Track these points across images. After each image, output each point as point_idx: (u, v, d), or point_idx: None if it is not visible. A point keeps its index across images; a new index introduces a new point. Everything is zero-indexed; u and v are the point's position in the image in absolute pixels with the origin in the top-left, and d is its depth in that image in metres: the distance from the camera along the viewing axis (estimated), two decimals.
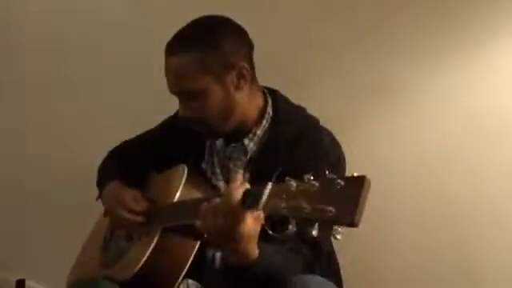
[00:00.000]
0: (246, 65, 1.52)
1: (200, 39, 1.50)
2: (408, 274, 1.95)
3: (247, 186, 1.23)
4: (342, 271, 1.68)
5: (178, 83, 1.50)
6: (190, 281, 1.53)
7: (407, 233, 1.94)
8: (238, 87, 1.52)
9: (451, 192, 1.88)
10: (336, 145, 1.58)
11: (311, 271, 1.42)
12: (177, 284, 1.47)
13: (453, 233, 1.88)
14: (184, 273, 1.48)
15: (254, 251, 1.26)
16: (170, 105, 1.72)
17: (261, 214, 1.20)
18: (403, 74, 1.91)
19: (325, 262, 1.51)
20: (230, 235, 1.22)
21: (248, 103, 1.56)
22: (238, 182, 1.23)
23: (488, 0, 1.80)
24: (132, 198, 1.61)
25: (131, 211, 1.59)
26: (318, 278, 1.39)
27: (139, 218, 1.58)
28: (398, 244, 1.96)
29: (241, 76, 1.52)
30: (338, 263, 1.68)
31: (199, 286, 1.54)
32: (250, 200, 1.18)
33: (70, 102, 2.51)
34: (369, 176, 1.02)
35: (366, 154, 1.92)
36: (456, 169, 1.87)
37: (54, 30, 2.50)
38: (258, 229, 1.23)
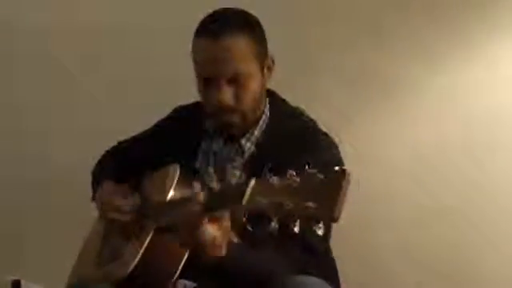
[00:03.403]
0: (272, 57, 1.56)
1: (249, 23, 1.52)
2: (407, 277, 1.94)
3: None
4: (340, 274, 1.67)
5: (227, 66, 1.46)
6: (187, 282, 1.52)
7: (405, 233, 1.93)
8: (266, 78, 1.55)
9: (451, 192, 1.87)
10: (333, 146, 1.57)
11: (307, 273, 1.41)
12: (172, 282, 1.46)
13: (451, 233, 1.87)
14: (179, 272, 1.46)
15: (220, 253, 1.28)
16: (170, 105, 1.75)
17: (225, 223, 1.25)
18: (402, 73, 1.91)
19: (322, 264, 1.49)
20: (191, 239, 1.26)
21: (263, 100, 1.58)
22: (198, 190, 1.28)
23: (486, 0, 1.79)
24: (121, 196, 1.60)
25: (120, 210, 1.58)
26: (314, 279, 1.38)
27: (129, 216, 1.57)
28: (397, 245, 1.95)
29: (269, 67, 1.55)
30: (335, 265, 1.66)
31: (196, 285, 1.53)
32: (207, 205, 1.24)
33: (71, 102, 2.52)
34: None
35: (364, 154, 1.93)
36: (455, 169, 1.86)
37: (54, 29, 2.51)
38: (222, 236, 1.26)
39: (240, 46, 1.47)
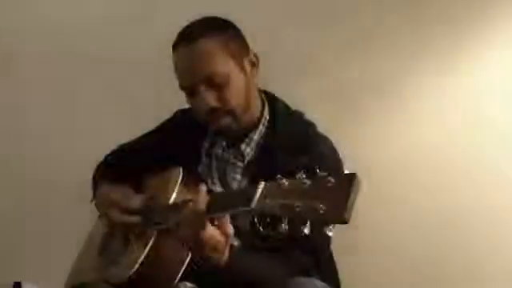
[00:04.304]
0: (255, 53, 1.56)
1: (220, 25, 1.53)
2: (407, 277, 1.95)
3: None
4: (340, 277, 1.68)
5: (201, 68, 1.48)
6: (188, 284, 1.52)
7: (405, 235, 1.94)
8: (251, 75, 1.54)
9: (450, 193, 1.88)
10: (333, 150, 1.59)
11: (309, 275, 1.43)
12: (173, 286, 1.47)
13: (452, 234, 1.88)
14: (180, 274, 1.46)
15: (221, 260, 1.31)
16: (172, 107, 1.75)
17: (227, 229, 1.28)
18: (402, 75, 1.92)
19: (323, 268, 1.51)
20: (192, 241, 1.29)
21: (255, 99, 1.57)
22: (203, 193, 1.30)
23: (486, 1, 1.81)
24: (124, 196, 1.59)
25: (125, 210, 1.57)
26: (315, 281, 1.40)
27: (134, 218, 1.56)
28: (397, 246, 1.96)
29: (252, 64, 1.55)
30: (336, 268, 1.68)
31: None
32: (213, 207, 1.26)
33: (71, 102, 2.52)
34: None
35: (363, 156, 1.93)
36: (454, 169, 1.87)
37: (54, 29, 2.51)
38: (223, 240, 1.28)
39: (208, 48, 1.48)
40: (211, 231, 1.27)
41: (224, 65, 1.48)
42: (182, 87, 1.53)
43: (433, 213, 1.91)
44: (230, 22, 1.57)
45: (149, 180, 1.70)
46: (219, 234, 1.28)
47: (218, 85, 1.48)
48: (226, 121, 1.53)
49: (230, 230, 1.29)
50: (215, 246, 1.28)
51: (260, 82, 1.61)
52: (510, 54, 1.79)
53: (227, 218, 1.29)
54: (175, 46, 1.53)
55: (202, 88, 1.49)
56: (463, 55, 1.85)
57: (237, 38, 1.54)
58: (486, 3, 1.81)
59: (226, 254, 1.31)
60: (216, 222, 1.30)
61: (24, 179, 2.59)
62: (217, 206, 1.28)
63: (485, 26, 1.81)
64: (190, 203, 1.32)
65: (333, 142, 1.60)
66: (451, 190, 1.90)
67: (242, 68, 1.52)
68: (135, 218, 1.55)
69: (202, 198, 1.29)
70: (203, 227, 1.27)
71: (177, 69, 1.53)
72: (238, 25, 1.57)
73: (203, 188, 1.33)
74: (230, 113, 1.51)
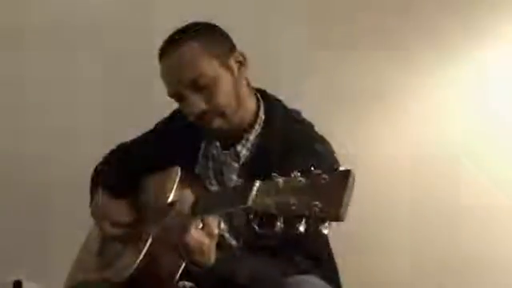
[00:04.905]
0: (242, 52, 1.55)
1: (202, 29, 1.53)
2: (406, 276, 1.94)
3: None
4: (341, 277, 1.68)
5: (185, 73, 1.48)
6: (187, 283, 1.52)
7: (405, 235, 1.94)
8: (239, 73, 1.53)
9: (451, 192, 1.88)
10: (330, 151, 1.57)
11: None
12: (172, 285, 1.47)
13: (452, 234, 1.88)
14: (179, 275, 1.47)
15: (207, 262, 1.31)
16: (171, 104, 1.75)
17: (212, 229, 1.27)
18: (401, 75, 1.92)
19: (324, 266, 1.50)
20: (177, 245, 1.29)
21: (247, 99, 1.56)
22: (188, 195, 1.30)
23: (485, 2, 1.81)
24: (117, 212, 1.61)
25: (117, 225, 1.59)
26: (314, 279, 1.39)
27: (124, 231, 1.58)
28: (397, 246, 1.96)
29: (240, 63, 1.54)
30: (336, 267, 1.67)
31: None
32: (200, 209, 1.26)
33: (71, 101, 2.53)
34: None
35: (363, 155, 1.93)
36: (454, 168, 1.87)
37: (54, 28, 2.52)
38: (207, 242, 1.28)
39: (190, 51, 1.48)
40: (195, 234, 1.27)
41: (207, 67, 1.48)
42: (170, 94, 1.53)
43: (433, 213, 1.91)
44: (212, 24, 1.57)
45: (147, 180, 1.71)
46: (204, 236, 1.28)
47: (203, 87, 1.48)
48: (218, 122, 1.52)
49: (215, 231, 1.29)
50: (200, 249, 1.28)
51: (259, 82, 1.60)
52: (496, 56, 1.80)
53: (214, 219, 1.28)
54: (160, 55, 1.53)
55: (188, 93, 1.49)
56: (464, 54, 1.85)
57: (220, 39, 1.53)
58: (484, 4, 1.81)
59: (212, 256, 1.30)
60: (202, 224, 1.29)
61: (24, 179, 2.60)
62: (202, 207, 1.27)
63: (485, 22, 1.81)
64: (176, 206, 1.31)
65: (332, 141, 1.58)
66: (452, 190, 1.89)
67: (228, 68, 1.51)
68: (120, 232, 1.58)
69: (187, 201, 1.28)
70: (186, 230, 1.26)
71: (163, 76, 1.53)
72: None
73: (187, 190, 1.32)
74: (221, 114, 1.51)
